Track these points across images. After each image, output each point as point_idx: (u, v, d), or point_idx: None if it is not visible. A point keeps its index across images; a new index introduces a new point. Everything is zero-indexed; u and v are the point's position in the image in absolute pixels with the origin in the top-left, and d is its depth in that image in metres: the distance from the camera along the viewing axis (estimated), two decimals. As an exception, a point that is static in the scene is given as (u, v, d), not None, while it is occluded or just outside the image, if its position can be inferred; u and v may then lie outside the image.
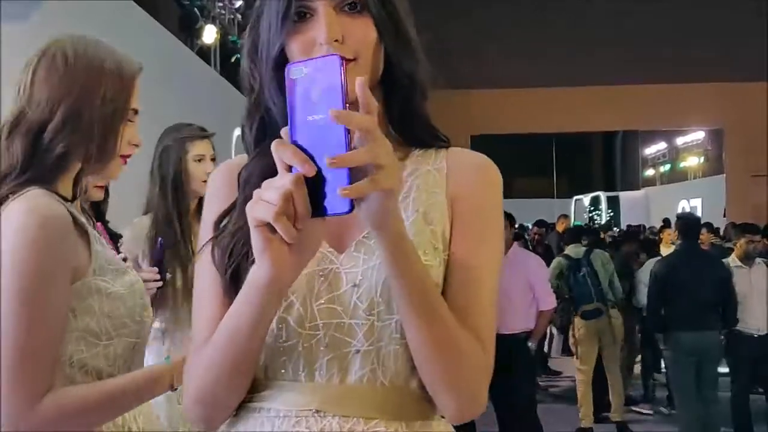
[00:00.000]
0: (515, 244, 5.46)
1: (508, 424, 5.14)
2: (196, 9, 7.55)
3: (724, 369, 5.72)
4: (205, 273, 1.06)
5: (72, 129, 1.37)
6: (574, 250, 6.68)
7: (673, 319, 5.27)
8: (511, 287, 5.10)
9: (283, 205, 0.81)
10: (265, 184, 0.84)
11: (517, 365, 5.05)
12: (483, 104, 10.48)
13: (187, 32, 7.64)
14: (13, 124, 1.39)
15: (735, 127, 11.30)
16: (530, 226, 12.14)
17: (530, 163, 26.79)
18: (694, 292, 5.20)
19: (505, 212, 5.34)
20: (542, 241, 8.83)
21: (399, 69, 1.06)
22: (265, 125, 1.06)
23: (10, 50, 3.11)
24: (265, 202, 0.83)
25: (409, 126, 1.12)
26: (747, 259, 5.55)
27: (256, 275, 0.90)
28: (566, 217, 12.73)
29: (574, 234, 7.42)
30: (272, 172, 0.98)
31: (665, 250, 8.93)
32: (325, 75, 0.80)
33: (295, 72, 0.82)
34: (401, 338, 1.00)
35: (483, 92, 10.45)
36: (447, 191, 1.08)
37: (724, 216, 12.17)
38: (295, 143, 0.81)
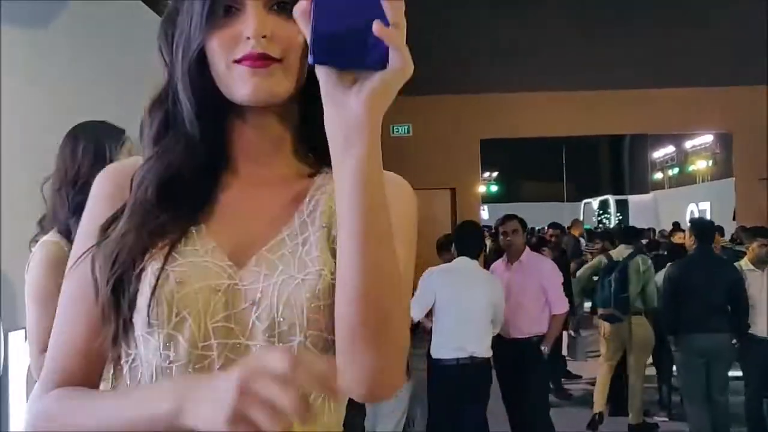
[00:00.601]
0: (527, 248, 5.48)
1: (521, 428, 5.16)
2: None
3: (737, 373, 5.73)
4: (74, 287, 0.98)
5: None
6: (618, 252, 6.68)
7: (685, 322, 5.32)
8: (523, 291, 5.14)
9: (296, 405, 0.69)
10: (254, 369, 0.72)
11: (530, 369, 5.08)
12: (492, 108, 10.48)
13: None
14: None
15: (743, 131, 11.26)
16: (545, 229, 12.18)
17: (540, 167, 26.80)
18: (706, 296, 5.26)
19: (517, 216, 5.46)
20: (559, 244, 8.80)
21: None
22: (169, 120, 1.00)
23: (38, 53, 3.16)
24: (261, 401, 0.70)
25: (322, 139, 1.01)
26: (759, 262, 5.55)
27: (176, 418, 0.78)
28: (579, 221, 12.73)
29: (628, 234, 7.17)
30: (173, 175, 0.96)
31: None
32: None
33: None
34: None
35: (492, 96, 10.45)
36: None
37: (734, 219, 12.13)
38: (319, 5, 0.76)
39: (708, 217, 18.81)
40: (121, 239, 0.93)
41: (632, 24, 7.67)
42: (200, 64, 0.95)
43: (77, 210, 2.06)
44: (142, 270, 0.92)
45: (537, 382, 5.19)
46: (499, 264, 5.52)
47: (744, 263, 5.62)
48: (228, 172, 1.02)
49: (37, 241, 2.17)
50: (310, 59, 0.77)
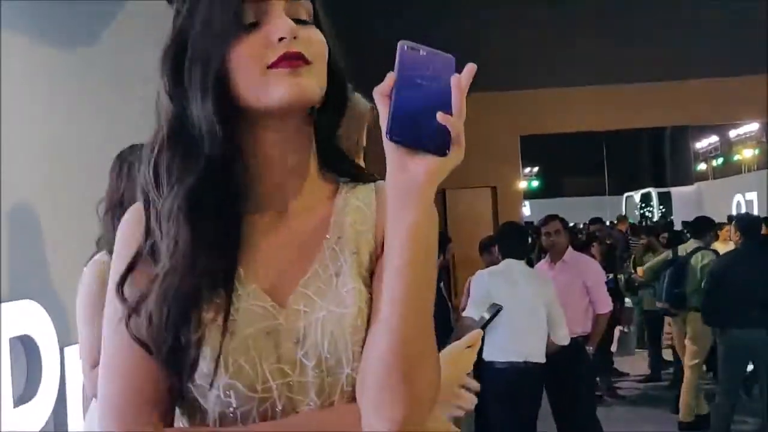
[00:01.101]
0: (570, 247, 5.43)
1: (568, 429, 5.12)
2: None
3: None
4: (122, 354, 0.96)
5: None
6: (686, 246, 6.57)
7: (729, 316, 5.34)
8: (567, 291, 5.08)
9: None
10: None
11: (575, 369, 5.04)
12: (531, 105, 10.39)
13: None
14: None
15: (790, 119, 11.01)
16: (587, 224, 12.06)
17: (580, 162, 26.55)
18: (751, 291, 5.23)
19: (558, 216, 5.42)
20: (604, 239, 8.72)
21: (340, 90, 1.01)
22: (185, 151, 0.96)
23: (85, 71, 3.20)
24: None
25: (339, 156, 1.07)
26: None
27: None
28: (624, 216, 12.58)
29: (700, 226, 6.94)
30: (200, 207, 0.94)
31: (722, 246, 8.79)
32: (441, 65, 0.87)
33: (411, 46, 0.88)
34: (352, 391, 0.95)
35: (530, 93, 10.36)
36: (376, 228, 1.02)
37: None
38: (397, 89, 0.86)
39: (755, 207, 18.44)
40: (166, 290, 0.92)
41: (672, 14, 7.55)
42: (221, 87, 0.93)
43: None
44: (200, 318, 0.92)
45: (583, 383, 5.15)
46: (542, 264, 5.50)
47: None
48: (250, 202, 1.00)
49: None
50: (385, 134, 0.86)
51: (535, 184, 27.72)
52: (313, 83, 0.94)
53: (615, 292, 7.19)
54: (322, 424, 0.93)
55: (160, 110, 0.99)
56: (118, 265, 0.99)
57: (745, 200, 19.80)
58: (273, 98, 0.92)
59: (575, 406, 5.05)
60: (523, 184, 13.53)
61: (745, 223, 5.64)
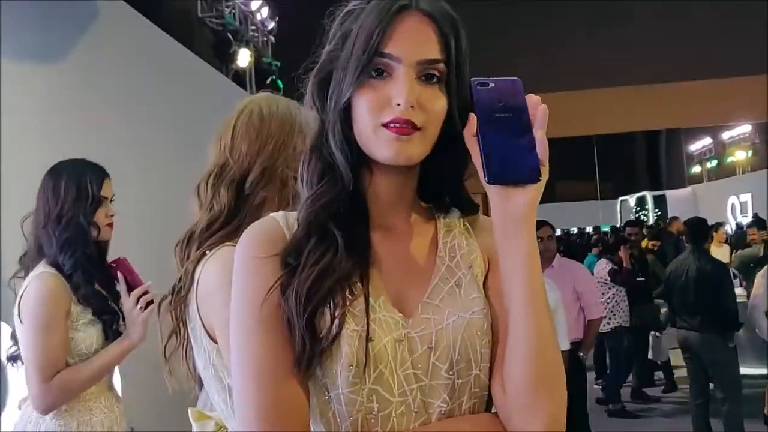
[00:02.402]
0: (558, 254, 5.33)
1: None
2: (229, 34, 7.62)
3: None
4: (262, 339, 1.00)
5: (268, 180, 1.49)
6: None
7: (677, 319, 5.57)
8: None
9: None
10: None
11: (567, 375, 4.95)
12: (521, 110, 10.37)
13: (222, 57, 7.70)
14: (216, 175, 1.49)
15: (783, 119, 10.99)
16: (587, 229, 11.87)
17: (572, 166, 26.50)
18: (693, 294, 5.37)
19: (545, 221, 5.33)
20: (639, 244, 8.47)
21: (459, 137, 1.03)
22: (325, 165, 1.06)
23: (48, 90, 3.15)
24: None
25: (451, 191, 1.15)
26: (804, 256, 5.37)
27: None
28: (676, 218, 12.31)
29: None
30: (334, 217, 1.04)
31: (715, 249, 8.72)
32: (510, 91, 0.99)
33: (482, 84, 1.00)
34: (480, 392, 1.05)
35: (520, 98, 10.35)
36: (480, 249, 1.13)
37: (776, 210, 11.83)
38: (481, 128, 0.97)
39: (749, 208, 18.41)
40: (311, 274, 0.99)
41: (662, 16, 7.51)
42: (348, 118, 1.03)
43: (65, 245, 2.26)
44: (339, 321, 0.98)
45: (575, 388, 5.06)
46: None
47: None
48: (368, 225, 1.09)
49: (20, 277, 2.30)
50: (483, 179, 0.96)
51: (529, 189, 27.57)
52: (418, 150, 1.01)
53: (645, 294, 7.14)
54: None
55: (309, 121, 1.11)
56: (263, 270, 1.02)
57: (739, 202, 19.81)
58: (378, 155, 1.01)
59: (568, 410, 4.96)
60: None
61: (691, 227, 5.71)
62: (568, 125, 11.38)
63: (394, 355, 1.01)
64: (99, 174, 2.36)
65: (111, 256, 2.44)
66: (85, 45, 3.53)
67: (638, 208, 25.79)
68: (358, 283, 1.02)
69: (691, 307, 5.35)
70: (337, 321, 0.98)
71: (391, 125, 0.99)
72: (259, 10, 8.85)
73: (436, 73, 1.01)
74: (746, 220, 13.64)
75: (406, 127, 0.99)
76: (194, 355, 1.44)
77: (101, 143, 3.21)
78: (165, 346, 1.47)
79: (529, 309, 0.98)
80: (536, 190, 0.96)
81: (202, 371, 1.44)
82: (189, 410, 1.56)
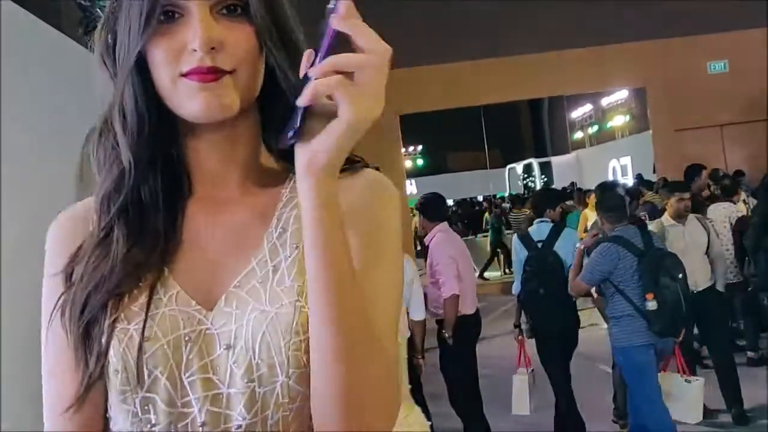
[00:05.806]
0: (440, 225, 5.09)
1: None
2: (98, 9, 7.24)
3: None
4: (55, 344, 0.89)
5: None
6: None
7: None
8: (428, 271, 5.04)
9: None
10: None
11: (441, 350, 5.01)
12: (407, 83, 10.33)
13: (90, 35, 7.33)
14: None
15: (657, 85, 11.44)
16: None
17: (460, 137, 26.90)
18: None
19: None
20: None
21: (284, 82, 0.89)
22: (119, 140, 0.90)
23: None
24: None
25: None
26: (679, 217, 5.56)
27: None
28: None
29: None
30: (130, 203, 0.89)
31: (589, 213, 8.94)
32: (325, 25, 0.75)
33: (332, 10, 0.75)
34: (293, 403, 0.84)
35: (407, 71, 10.30)
36: None
37: (653, 172, 12.36)
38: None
39: (629, 171, 19.20)
40: (88, 285, 0.86)
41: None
42: (142, 76, 0.86)
43: None
44: (114, 322, 0.85)
45: (447, 364, 5.06)
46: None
47: (665, 219, 5.62)
48: (186, 197, 0.94)
49: None
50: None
51: (420, 162, 27.89)
52: (230, 96, 0.84)
53: None
54: None
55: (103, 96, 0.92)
56: (59, 263, 0.90)
57: (620, 165, 20.63)
58: (184, 111, 0.86)
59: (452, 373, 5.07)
60: (408, 163, 13.56)
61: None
62: (454, 97, 11.48)
63: (177, 357, 0.84)
64: None
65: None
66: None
67: (525, 175, 26.50)
68: (149, 276, 0.87)
69: None
70: (106, 327, 0.85)
71: (191, 75, 0.83)
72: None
73: (237, 2, 0.85)
74: (628, 182, 14.19)
75: (209, 74, 0.83)
76: None
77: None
78: None
79: (322, 294, 0.79)
80: (303, 149, 0.78)
81: None
82: None
